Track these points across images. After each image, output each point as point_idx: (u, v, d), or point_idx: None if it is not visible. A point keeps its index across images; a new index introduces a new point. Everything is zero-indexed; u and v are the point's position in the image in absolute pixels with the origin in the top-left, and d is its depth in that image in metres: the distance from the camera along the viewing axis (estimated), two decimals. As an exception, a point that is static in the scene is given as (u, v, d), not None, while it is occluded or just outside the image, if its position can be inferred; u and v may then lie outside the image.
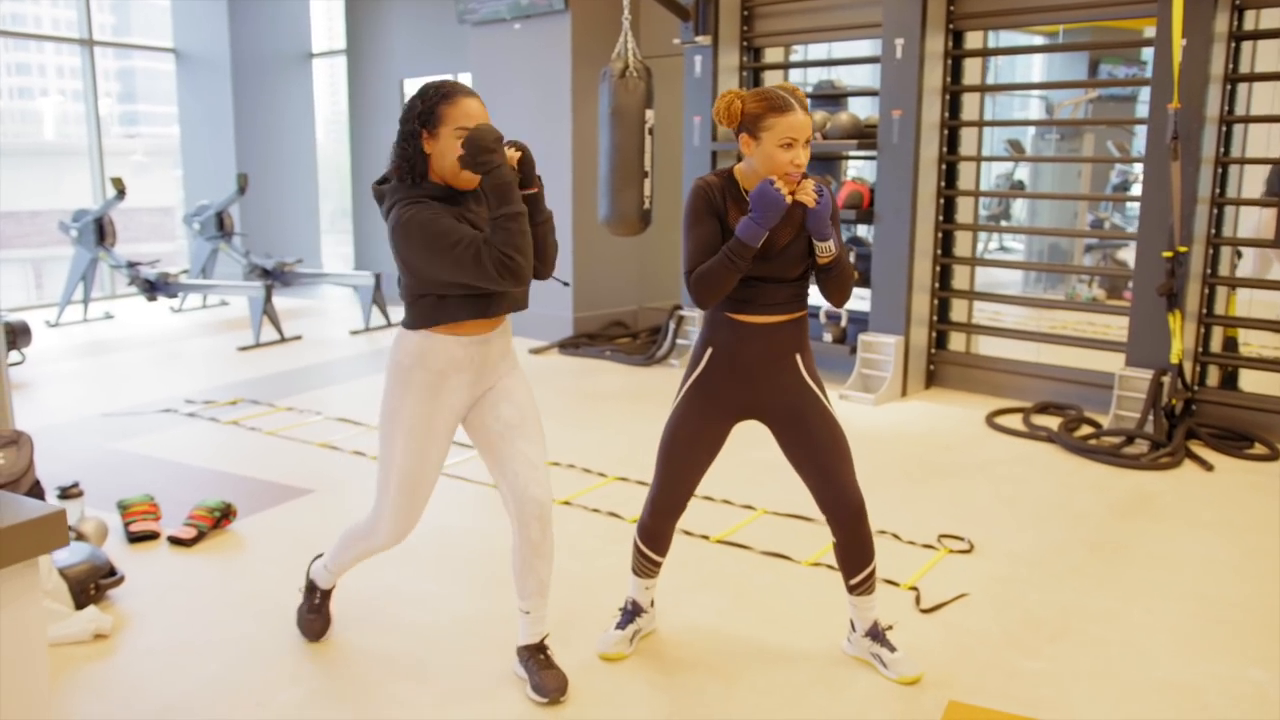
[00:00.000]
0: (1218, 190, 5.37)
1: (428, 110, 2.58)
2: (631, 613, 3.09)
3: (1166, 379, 5.27)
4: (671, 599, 3.37)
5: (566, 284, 3.23)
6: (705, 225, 2.70)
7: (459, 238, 2.51)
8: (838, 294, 2.78)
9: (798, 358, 2.79)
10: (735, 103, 2.65)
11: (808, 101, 2.69)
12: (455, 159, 2.56)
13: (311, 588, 3.16)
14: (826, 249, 2.67)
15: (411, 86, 9.85)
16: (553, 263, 2.79)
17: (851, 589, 2.92)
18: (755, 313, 2.73)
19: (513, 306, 2.73)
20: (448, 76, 8.92)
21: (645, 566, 3.04)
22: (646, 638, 3.14)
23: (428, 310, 2.64)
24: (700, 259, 2.69)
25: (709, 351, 2.80)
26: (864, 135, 6.41)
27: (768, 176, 2.64)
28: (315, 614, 3.14)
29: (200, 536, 3.91)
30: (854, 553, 2.86)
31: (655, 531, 3.00)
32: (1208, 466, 4.87)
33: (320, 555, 3.15)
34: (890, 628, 3.00)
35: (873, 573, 2.89)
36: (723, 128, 2.69)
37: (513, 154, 2.65)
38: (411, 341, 2.69)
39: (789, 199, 2.59)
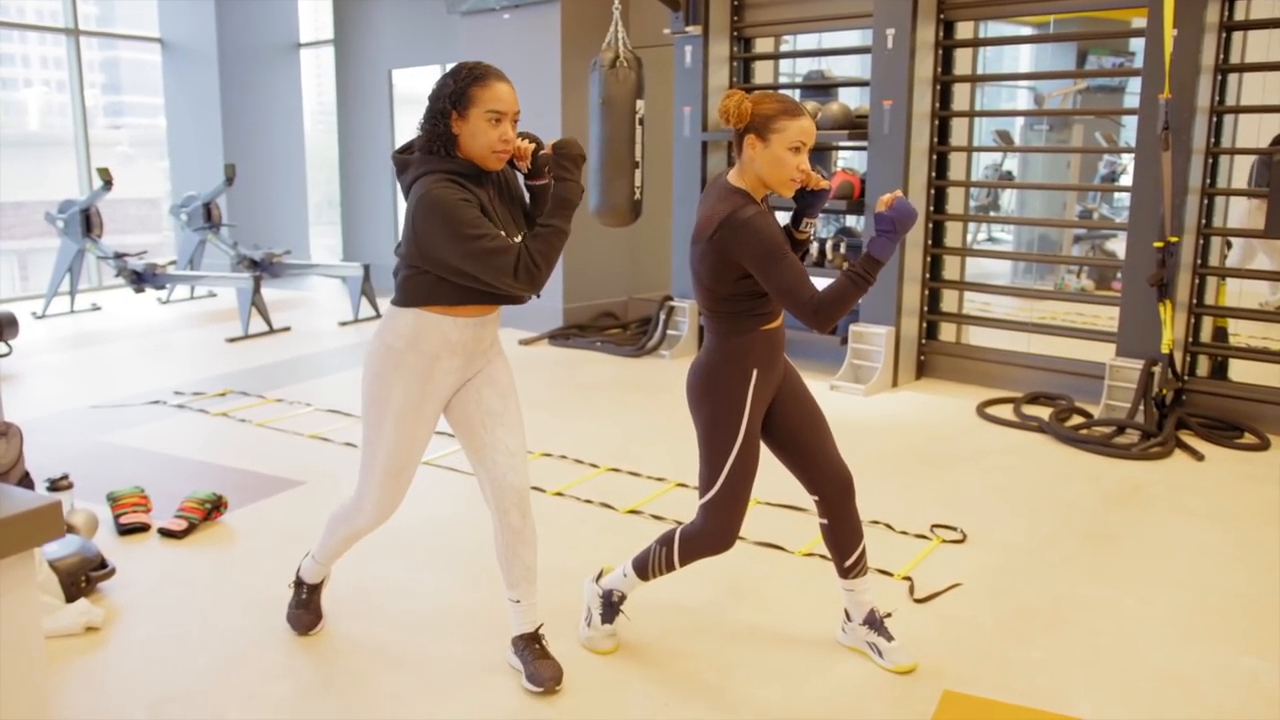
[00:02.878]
0: (1208, 181, 5.38)
1: (459, 91, 2.56)
2: (615, 604, 3.06)
3: (1157, 369, 5.28)
4: (665, 589, 3.36)
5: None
6: (790, 251, 2.59)
7: (482, 232, 2.49)
8: None
9: None
10: (745, 103, 2.60)
11: None
12: (485, 140, 2.56)
13: (299, 582, 3.14)
14: (813, 225, 2.81)
15: (400, 77, 9.81)
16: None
17: (845, 572, 2.91)
18: (778, 317, 2.75)
19: (509, 299, 2.69)
20: (435, 66, 8.82)
21: (660, 574, 2.96)
22: (638, 631, 3.13)
23: (427, 286, 2.61)
24: (809, 284, 2.56)
25: (755, 374, 2.71)
26: (855, 126, 6.41)
27: (771, 180, 2.62)
28: (303, 609, 3.13)
29: (191, 529, 3.89)
30: (845, 531, 2.87)
31: (702, 557, 2.89)
32: (1198, 456, 4.89)
33: (309, 553, 3.13)
34: (889, 615, 3.00)
35: (864, 552, 2.91)
36: (725, 125, 2.65)
37: (525, 145, 2.65)
38: (404, 321, 2.65)
39: (829, 186, 2.67)
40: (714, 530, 2.79)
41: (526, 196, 2.78)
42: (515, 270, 2.49)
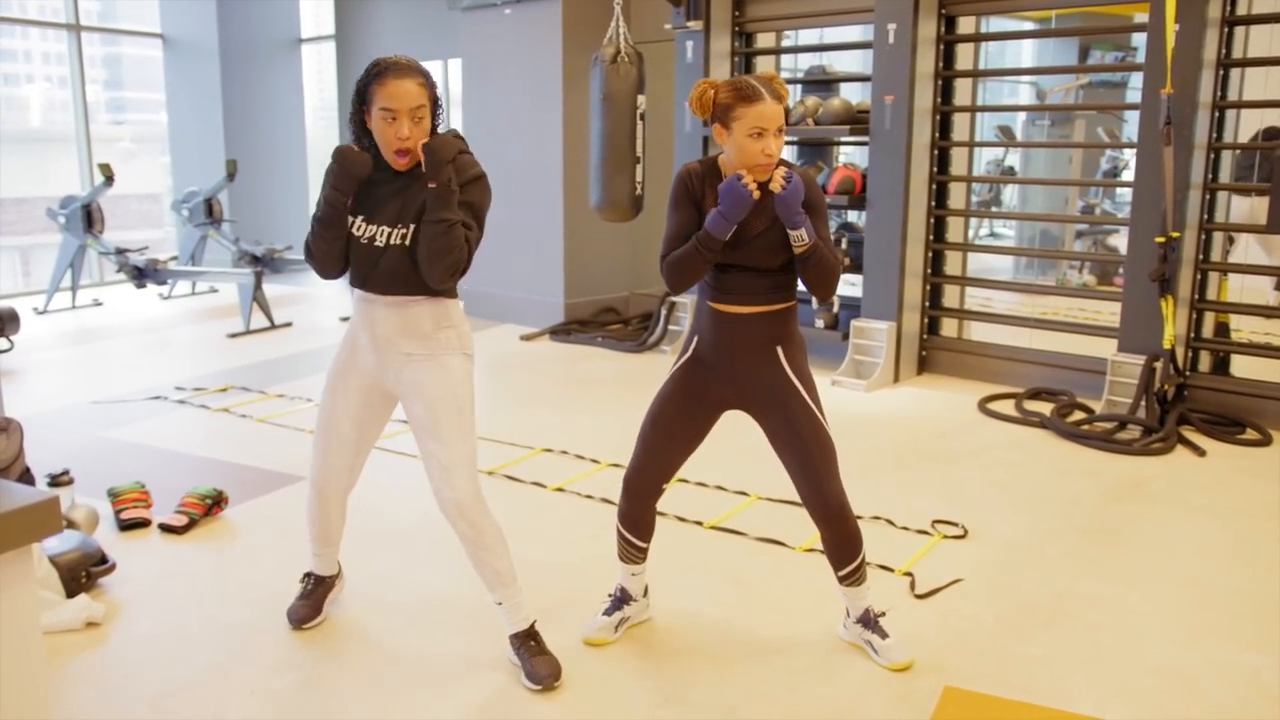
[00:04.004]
0: (1210, 176, 5.37)
1: (361, 89, 2.65)
2: (620, 599, 3.08)
3: (1159, 364, 5.27)
4: (665, 585, 3.36)
5: None
6: (682, 212, 2.73)
7: (316, 207, 2.70)
8: (818, 287, 2.70)
9: (779, 351, 2.76)
10: (708, 93, 2.65)
11: (786, 89, 2.66)
12: (384, 140, 2.63)
13: (307, 573, 3.18)
14: (798, 238, 2.61)
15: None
16: (438, 270, 2.60)
17: (840, 580, 2.92)
18: (733, 303, 2.73)
19: (385, 287, 2.70)
20: (437, 61, 8.80)
21: (629, 552, 3.03)
22: (638, 626, 3.13)
23: None
24: (674, 245, 2.72)
25: (695, 339, 2.84)
26: (856, 120, 6.40)
27: (741, 168, 2.63)
28: (304, 599, 3.15)
29: (192, 524, 3.89)
30: (837, 549, 2.86)
31: (633, 515, 2.98)
32: (1200, 452, 4.88)
33: None
34: (883, 614, 3.00)
35: (859, 566, 2.88)
36: (696, 117, 2.68)
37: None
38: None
39: (756, 193, 2.57)
40: (627, 470, 2.95)
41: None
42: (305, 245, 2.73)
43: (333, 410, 2.88)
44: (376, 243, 2.67)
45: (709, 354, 2.80)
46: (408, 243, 2.66)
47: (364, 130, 2.67)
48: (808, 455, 2.76)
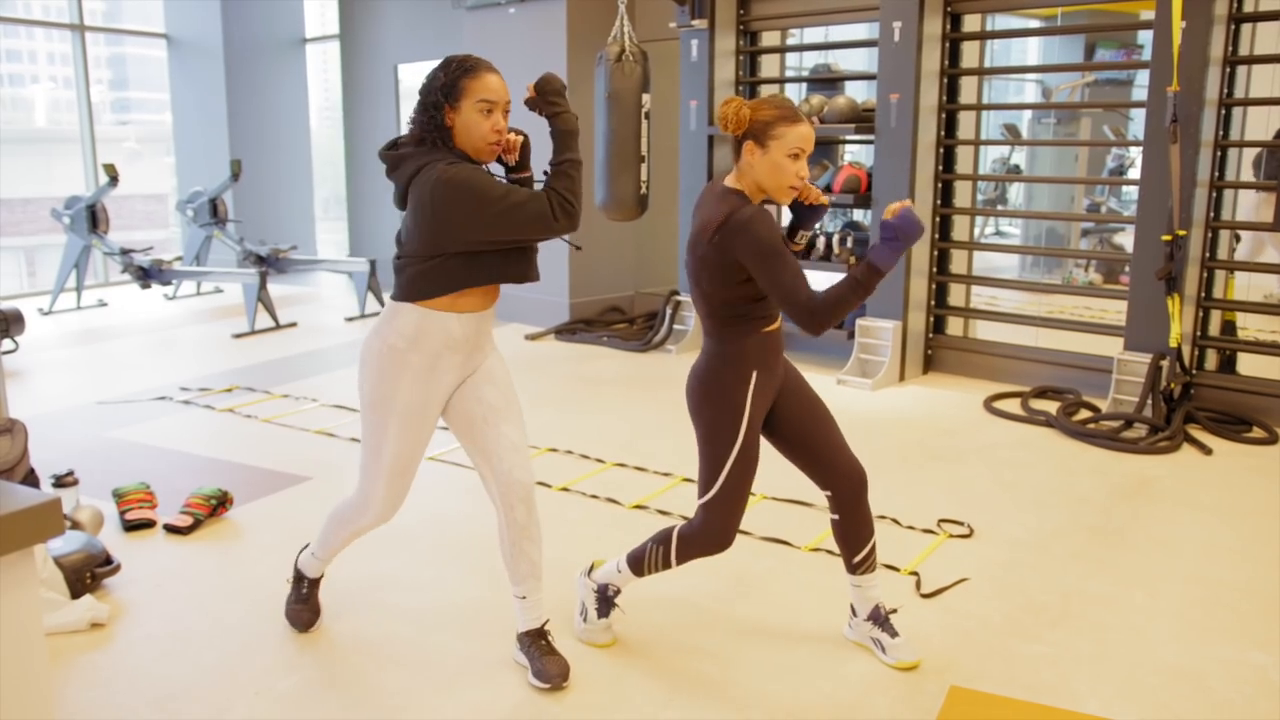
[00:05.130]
0: (1217, 173, 5.35)
1: (450, 83, 2.58)
2: (609, 598, 3.04)
3: (1165, 363, 5.26)
4: (672, 584, 3.36)
5: (579, 247, 3.23)
6: (788, 252, 2.57)
7: (506, 190, 2.55)
8: None
9: None
10: (744, 109, 2.59)
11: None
12: (479, 131, 2.59)
13: (299, 577, 3.14)
14: (807, 236, 2.81)
15: (406, 72, 9.80)
16: (576, 216, 2.69)
17: (854, 568, 2.90)
18: (777, 319, 2.74)
19: (521, 276, 2.68)
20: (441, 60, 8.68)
21: (655, 571, 2.96)
22: (644, 627, 3.12)
23: (435, 276, 2.59)
24: (807, 286, 2.54)
25: (754, 376, 2.69)
26: (861, 119, 6.39)
27: (771, 187, 2.61)
28: (303, 604, 3.12)
29: (196, 524, 3.89)
30: (856, 527, 2.85)
31: (699, 556, 2.89)
32: (1206, 450, 4.87)
33: (307, 545, 3.12)
34: (894, 611, 2.99)
35: (874, 548, 2.89)
36: (724, 132, 2.64)
37: (515, 138, 2.70)
38: (408, 320, 2.63)
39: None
40: (712, 530, 2.78)
41: None
42: (552, 211, 2.56)
43: (416, 448, 2.76)
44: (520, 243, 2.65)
45: (767, 381, 2.73)
46: None
47: (440, 127, 2.59)
48: (828, 428, 2.83)
